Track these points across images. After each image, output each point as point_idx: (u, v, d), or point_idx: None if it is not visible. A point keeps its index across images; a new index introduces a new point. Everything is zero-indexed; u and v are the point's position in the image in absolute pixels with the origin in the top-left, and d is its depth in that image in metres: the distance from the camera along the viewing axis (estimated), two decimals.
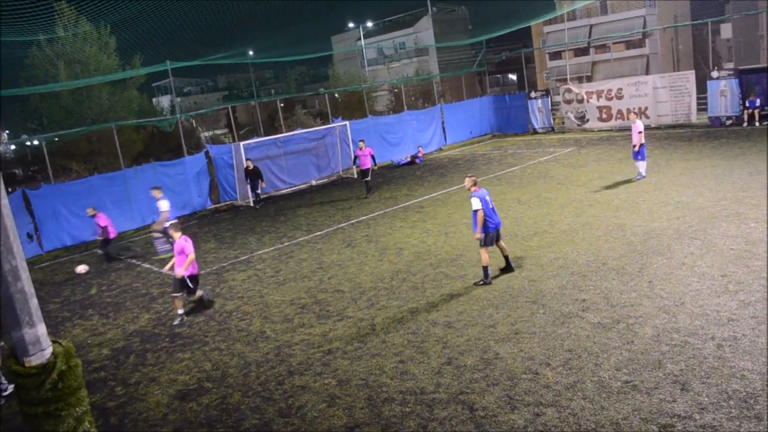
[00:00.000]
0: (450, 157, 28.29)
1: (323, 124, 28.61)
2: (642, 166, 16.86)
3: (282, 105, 36.97)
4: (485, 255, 10.36)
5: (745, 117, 24.46)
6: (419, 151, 28.42)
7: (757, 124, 24.00)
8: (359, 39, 61.80)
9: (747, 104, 24.41)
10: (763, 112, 24.06)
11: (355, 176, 24.64)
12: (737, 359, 6.80)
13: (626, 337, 7.70)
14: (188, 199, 21.68)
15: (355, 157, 20.91)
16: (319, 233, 16.12)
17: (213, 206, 22.52)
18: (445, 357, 7.91)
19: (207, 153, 22.74)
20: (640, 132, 16.53)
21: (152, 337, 10.34)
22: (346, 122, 25.96)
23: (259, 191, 21.60)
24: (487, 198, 10.46)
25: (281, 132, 26.70)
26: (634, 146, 16.70)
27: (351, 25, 66.07)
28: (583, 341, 7.77)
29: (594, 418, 6.09)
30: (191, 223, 20.62)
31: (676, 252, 10.64)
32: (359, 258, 13.21)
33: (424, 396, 7.01)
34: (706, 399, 6.14)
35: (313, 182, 24.72)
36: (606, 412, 6.15)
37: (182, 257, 10.79)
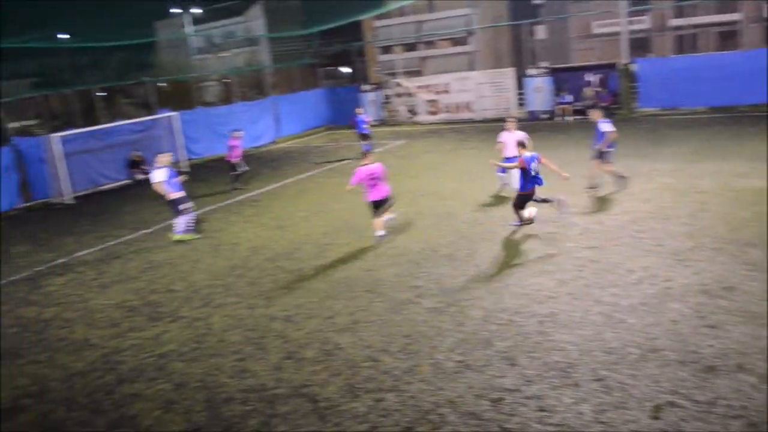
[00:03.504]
0: (284, 149, 28.03)
1: (148, 114, 26.98)
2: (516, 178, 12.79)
3: (102, 94, 34.42)
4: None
5: (558, 112, 26.84)
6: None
7: (568, 118, 26.41)
8: (185, 26, 59.11)
9: (559, 100, 26.80)
10: (574, 108, 26.57)
11: (186, 169, 23.55)
12: (557, 333, 7.40)
13: (458, 320, 8.09)
14: None
15: (231, 147, 19.48)
16: (147, 231, 15.21)
17: (24, 205, 20.42)
18: (285, 351, 7.80)
19: (14, 147, 20.56)
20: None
21: None
22: (174, 113, 24.76)
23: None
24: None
25: (101, 123, 24.85)
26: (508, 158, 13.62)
27: (176, 10, 62.92)
28: (419, 326, 8.04)
29: (432, 398, 6.32)
30: None
31: (500, 237, 11.38)
32: (192, 255, 12.65)
33: (265, 392, 6.86)
34: (531, 372, 6.61)
35: (139, 177, 23.27)
36: (443, 392, 6.41)
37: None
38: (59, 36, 28.18)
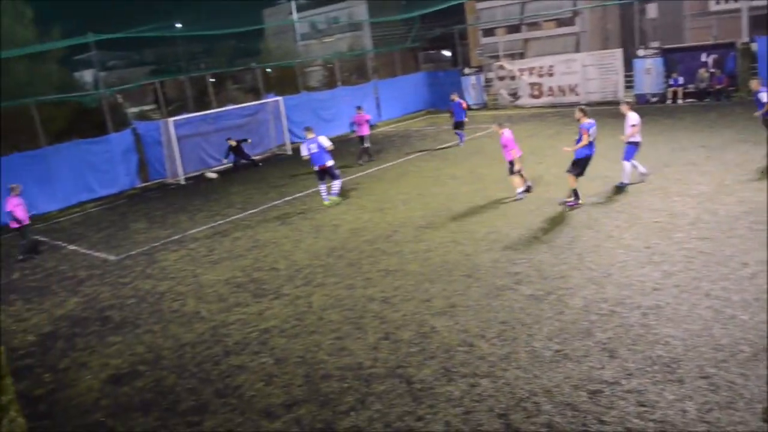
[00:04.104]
0: (385, 133, 28.28)
1: (255, 99, 27.96)
2: (626, 168, 13.16)
3: (213, 80, 35.96)
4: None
5: (669, 95, 25.44)
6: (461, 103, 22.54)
7: (680, 101, 25.01)
8: (291, 13, 60.55)
9: (671, 82, 25.38)
10: (686, 90, 25.08)
11: (290, 152, 24.50)
12: (661, 326, 7.12)
13: (557, 308, 7.95)
14: (115, 178, 20.91)
15: (359, 123, 20.90)
16: (253, 211, 15.89)
17: (142, 185, 21.83)
18: (383, 332, 7.97)
19: (134, 130, 21.96)
20: (633, 125, 12.80)
21: (81, 321, 9.99)
22: (279, 98, 25.55)
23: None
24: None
25: (212, 108, 26.03)
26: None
27: None
28: (517, 313, 7.97)
29: (528, 386, 6.27)
30: (120, 202, 19.95)
31: (603, 225, 11.02)
32: (295, 235, 13.10)
33: (361, 371, 7.05)
34: (632, 365, 6.41)
35: (243, 161, 24.24)
36: (539, 381, 6.35)
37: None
38: (175, 26, 29.65)
